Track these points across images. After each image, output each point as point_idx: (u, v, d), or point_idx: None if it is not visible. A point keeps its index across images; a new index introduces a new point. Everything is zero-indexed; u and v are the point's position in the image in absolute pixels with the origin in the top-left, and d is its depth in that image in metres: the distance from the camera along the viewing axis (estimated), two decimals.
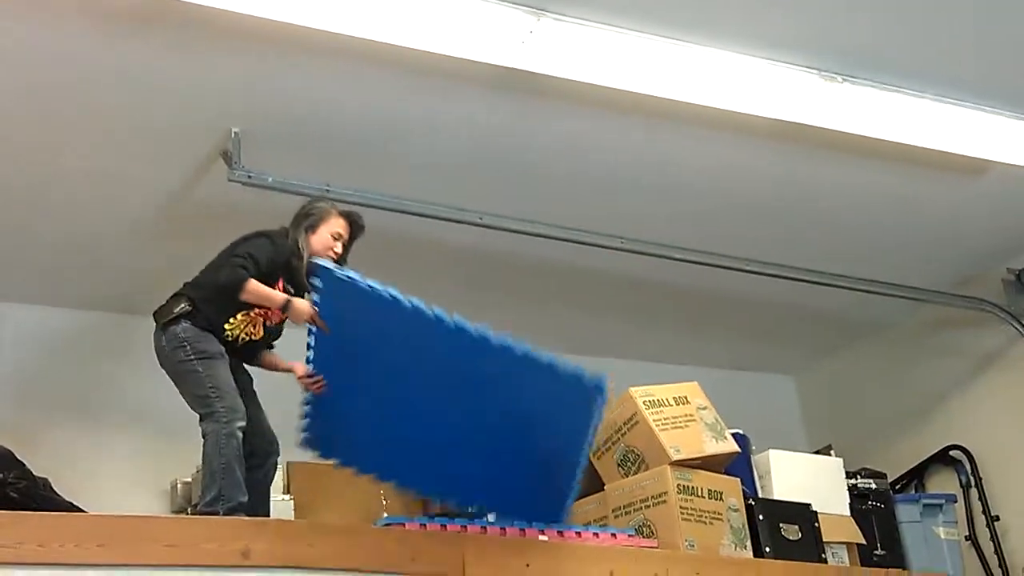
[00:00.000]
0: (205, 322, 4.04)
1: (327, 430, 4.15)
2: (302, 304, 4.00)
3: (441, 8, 3.73)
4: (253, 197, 4.52)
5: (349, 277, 3.87)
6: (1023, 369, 5.88)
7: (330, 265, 3.97)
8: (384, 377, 3.99)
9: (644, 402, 4.58)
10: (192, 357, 3.97)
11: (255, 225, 4.84)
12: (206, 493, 3.84)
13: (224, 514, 3.76)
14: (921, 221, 5.43)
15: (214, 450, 3.86)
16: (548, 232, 4.98)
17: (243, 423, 3.94)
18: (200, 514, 3.84)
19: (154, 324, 4.11)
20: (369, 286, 3.81)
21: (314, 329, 3.98)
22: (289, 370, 4.18)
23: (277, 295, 4.01)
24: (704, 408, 4.70)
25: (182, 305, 4.04)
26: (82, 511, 4.25)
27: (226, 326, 4.08)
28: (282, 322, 4.23)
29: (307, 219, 4.19)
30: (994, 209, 5.38)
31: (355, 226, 4.27)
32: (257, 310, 4.11)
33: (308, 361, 4.05)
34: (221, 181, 4.40)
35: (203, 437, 3.90)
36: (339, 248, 4.20)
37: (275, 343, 4.32)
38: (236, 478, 3.83)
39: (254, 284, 3.97)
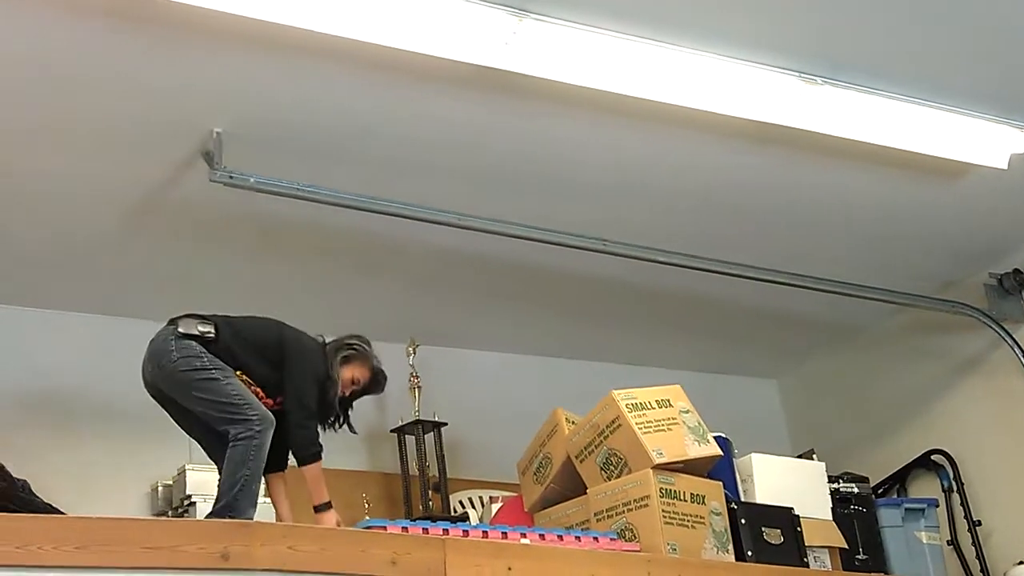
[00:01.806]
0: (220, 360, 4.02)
1: None
2: (332, 518, 4.07)
3: (424, 8, 3.73)
4: (234, 197, 4.50)
5: None
6: (1004, 373, 5.90)
7: None
8: None
9: (627, 405, 4.56)
10: (210, 367, 3.96)
11: (236, 226, 4.86)
12: (220, 499, 3.85)
13: None
14: (902, 224, 5.44)
15: (242, 459, 3.84)
16: (529, 234, 4.96)
17: (272, 431, 3.92)
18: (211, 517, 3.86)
19: (159, 327, 4.11)
20: None
21: None
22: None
23: (323, 493, 4.06)
24: (687, 411, 4.68)
25: (209, 329, 4.05)
26: (61, 513, 4.23)
27: (236, 373, 4.06)
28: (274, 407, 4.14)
29: (348, 350, 4.27)
30: (974, 213, 5.40)
31: (375, 385, 4.38)
32: (257, 389, 4.07)
33: None
34: (202, 181, 4.37)
35: (233, 441, 3.85)
36: (349, 392, 4.28)
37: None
38: (252, 492, 3.85)
39: (319, 471, 4.05)
